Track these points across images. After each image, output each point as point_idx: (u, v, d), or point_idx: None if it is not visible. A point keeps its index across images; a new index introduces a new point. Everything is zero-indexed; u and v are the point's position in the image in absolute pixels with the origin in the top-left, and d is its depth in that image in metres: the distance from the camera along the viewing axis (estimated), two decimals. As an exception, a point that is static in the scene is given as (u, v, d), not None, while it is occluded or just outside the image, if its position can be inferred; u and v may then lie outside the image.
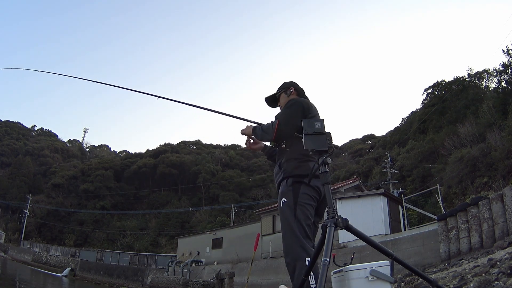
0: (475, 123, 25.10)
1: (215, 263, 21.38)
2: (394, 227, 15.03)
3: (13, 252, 38.63)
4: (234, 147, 64.61)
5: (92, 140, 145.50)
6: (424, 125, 35.06)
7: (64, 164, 63.38)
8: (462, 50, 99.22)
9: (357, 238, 2.19)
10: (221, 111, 3.17)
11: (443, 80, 36.72)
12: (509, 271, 3.78)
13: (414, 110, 44.50)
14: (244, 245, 18.90)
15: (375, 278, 2.28)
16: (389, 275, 2.30)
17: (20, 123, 76.72)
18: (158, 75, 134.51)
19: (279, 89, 3.01)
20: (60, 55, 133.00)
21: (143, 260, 30.25)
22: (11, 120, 74.46)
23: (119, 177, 55.10)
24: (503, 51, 26.24)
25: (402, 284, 5.87)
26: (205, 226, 34.99)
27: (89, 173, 54.38)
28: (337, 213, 2.00)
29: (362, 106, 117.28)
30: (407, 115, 46.57)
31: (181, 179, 52.74)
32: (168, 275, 22.02)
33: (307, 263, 2.18)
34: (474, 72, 33.73)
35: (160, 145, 64.22)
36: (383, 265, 2.36)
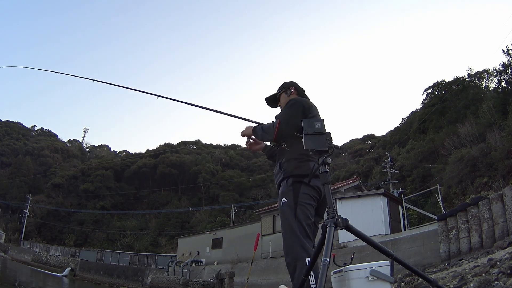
0: (475, 123, 25.10)
1: (215, 263, 21.38)
2: (394, 227, 15.03)
3: (13, 252, 38.62)
4: (234, 147, 64.61)
5: (92, 140, 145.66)
6: (424, 125, 35.06)
7: (64, 164, 63.41)
8: (462, 50, 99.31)
9: (357, 238, 2.18)
10: (221, 110, 3.16)
11: (443, 80, 36.78)
12: (509, 271, 3.78)
13: (414, 110, 44.59)
14: (244, 245, 18.90)
15: (375, 278, 2.28)
16: (389, 275, 2.30)
17: (20, 123, 76.79)
18: (158, 75, 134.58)
19: (279, 89, 3.01)
20: (61, 55, 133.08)
21: (143, 260, 30.25)
22: (11, 120, 74.54)
23: (119, 177, 55.11)
24: (503, 51, 26.31)
25: (402, 284, 5.87)
26: (205, 226, 34.99)
27: (89, 173, 54.39)
28: (337, 213, 2.00)
29: (362, 106, 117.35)
30: (407, 115, 46.66)
31: (181, 179, 52.75)
32: (168, 275, 22.03)
33: (307, 263, 2.18)
34: (474, 72, 33.78)
35: (160, 145, 64.33)
36: (383, 265, 2.36)
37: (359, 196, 16.03)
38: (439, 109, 32.94)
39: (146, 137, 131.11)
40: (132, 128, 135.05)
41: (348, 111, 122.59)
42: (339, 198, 15.98)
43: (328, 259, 1.78)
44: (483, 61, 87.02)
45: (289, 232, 2.40)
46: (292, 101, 2.75)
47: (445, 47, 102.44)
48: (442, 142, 27.09)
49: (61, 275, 27.07)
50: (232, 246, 20.88)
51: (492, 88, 31.61)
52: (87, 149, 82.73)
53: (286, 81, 3.02)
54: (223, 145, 68.57)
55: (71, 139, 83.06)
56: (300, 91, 2.95)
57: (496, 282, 3.57)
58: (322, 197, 2.52)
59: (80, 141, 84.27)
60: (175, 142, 66.71)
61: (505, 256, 5.67)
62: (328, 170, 2.04)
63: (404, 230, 15.27)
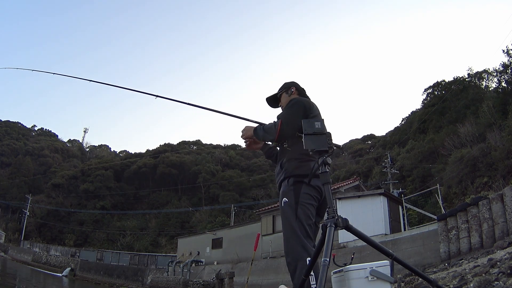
0: (475, 123, 25.11)
1: (215, 263, 21.38)
2: (394, 227, 15.03)
3: (13, 252, 38.64)
4: (234, 147, 64.59)
5: (92, 140, 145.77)
6: (424, 125, 35.06)
7: (64, 164, 63.42)
8: (462, 50, 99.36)
9: (357, 238, 2.18)
10: (221, 110, 3.15)
11: (443, 80, 36.79)
12: (509, 271, 3.78)
13: (414, 110, 44.61)
14: (244, 245, 18.90)
15: (375, 278, 2.28)
16: (389, 275, 2.30)
17: (20, 123, 76.84)
18: (158, 75, 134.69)
19: (280, 89, 3.01)
20: (60, 55, 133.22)
21: (143, 260, 30.25)
22: (11, 120, 74.62)
23: (119, 177, 55.11)
24: (503, 51, 26.31)
25: (402, 284, 5.87)
26: (205, 226, 34.99)
27: (89, 173, 54.40)
28: (337, 213, 2.00)
29: (362, 106, 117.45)
30: (407, 115, 46.68)
31: (181, 179, 52.75)
32: (168, 275, 22.02)
33: (308, 263, 2.18)
34: (474, 72, 33.80)
35: (160, 145, 64.33)
36: (383, 265, 2.35)
37: (359, 196, 16.03)
38: (439, 109, 32.94)
39: (146, 137, 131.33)
40: (132, 128, 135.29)
41: (348, 111, 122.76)
42: (339, 198, 15.98)
43: (328, 259, 1.78)
44: (483, 61, 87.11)
45: (290, 232, 2.40)
46: (293, 100, 2.74)
47: (445, 47, 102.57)
48: (442, 142, 27.09)
49: (61, 275, 27.07)
50: (232, 246, 20.87)
51: (492, 88, 31.65)
52: (87, 149, 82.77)
53: (287, 81, 3.02)
54: (223, 145, 68.62)
55: (71, 139, 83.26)
56: (301, 91, 2.95)
57: (496, 282, 3.57)
58: (323, 197, 2.51)
59: (80, 141, 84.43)
60: (175, 142, 66.87)
61: (505, 256, 5.68)
62: (328, 170, 2.04)
63: (404, 230, 15.26)
